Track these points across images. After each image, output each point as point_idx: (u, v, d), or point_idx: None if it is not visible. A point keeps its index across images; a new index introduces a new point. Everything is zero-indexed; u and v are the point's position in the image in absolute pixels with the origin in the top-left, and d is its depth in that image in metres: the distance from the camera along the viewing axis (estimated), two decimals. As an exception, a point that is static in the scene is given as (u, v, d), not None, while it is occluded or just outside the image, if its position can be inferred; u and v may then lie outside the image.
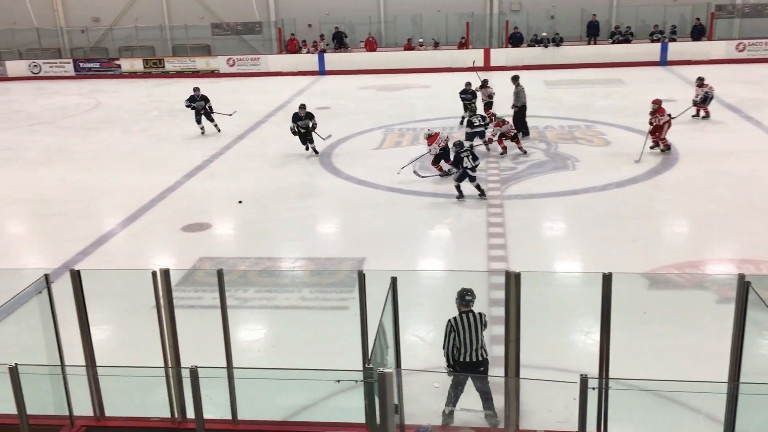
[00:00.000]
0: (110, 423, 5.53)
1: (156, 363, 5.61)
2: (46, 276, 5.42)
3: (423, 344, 8.05)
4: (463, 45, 31.07)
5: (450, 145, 13.92)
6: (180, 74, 31.12)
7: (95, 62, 31.87)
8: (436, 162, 14.48)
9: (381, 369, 3.69)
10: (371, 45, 31.70)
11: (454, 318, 6.00)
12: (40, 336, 6.00)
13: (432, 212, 12.83)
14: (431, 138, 14.62)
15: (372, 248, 11.06)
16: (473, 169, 12.77)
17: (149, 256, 11.49)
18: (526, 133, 17.35)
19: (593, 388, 4.10)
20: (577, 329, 8.21)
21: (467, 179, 12.81)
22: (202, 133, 19.30)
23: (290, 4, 32.87)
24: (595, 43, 30.61)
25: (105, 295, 8.73)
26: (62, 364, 5.48)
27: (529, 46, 30.39)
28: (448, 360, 6.02)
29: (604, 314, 4.93)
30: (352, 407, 4.92)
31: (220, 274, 5.42)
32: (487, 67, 29.39)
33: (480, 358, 6.00)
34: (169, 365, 5.38)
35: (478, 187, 12.92)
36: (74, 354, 5.99)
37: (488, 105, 18.82)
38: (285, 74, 30.41)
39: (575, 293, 9.09)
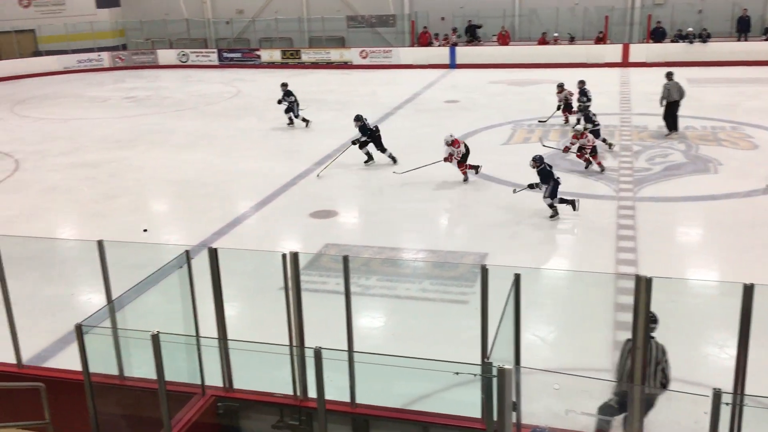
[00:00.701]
0: (237, 395, 5.82)
1: (281, 342, 5.85)
2: (187, 252, 5.78)
3: (542, 344, 7.90)
4: (600, 40, 29.97)
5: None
6: (315, 65, 32.09)
7: (237, 52, 33.47)
8: (462, 163, 14.27)
9: (500, 365, 3.66)
10: (504, 39, 31.25)
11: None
12: (179, 308, 6.40)
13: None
14: (455, 142, 14.31)
15: (494, 243, 10.96)
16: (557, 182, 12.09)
17: (278, 240, 11.97)
18: (673, 128, 16.81)
19: (727, 404, 3.87)
20: (711, 342, 7.76)
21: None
22: (291, 124, 20.06)
23: (424, -4, 33.07)
24: (745, 40, 28.57)
25: (236, 273, 9.19)
26: (197, 335, 5.83)
27: (672, 41, 28.84)
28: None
29: (743, 328, 4.62)
30: (468, 401, 4.92)
31: (345, 260, 5.56)
32: (625, 62, 28.24)
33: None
34: (294, 344, 5.59)
35: (563, 200, 12.02)
36: (207, 327, 6.37)
37: (566, 108, 18.84)
38: (415, 67, 30.60)
39: (711, 304, 8.58)
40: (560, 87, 19.00)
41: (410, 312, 9.21)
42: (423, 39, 32.06)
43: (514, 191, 12.67)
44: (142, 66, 33.65)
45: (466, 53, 30.71)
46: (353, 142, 15.59)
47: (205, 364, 5.81)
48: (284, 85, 20.52)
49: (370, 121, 16.22)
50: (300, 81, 28.85)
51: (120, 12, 36.15)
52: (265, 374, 6.02)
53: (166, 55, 33.88)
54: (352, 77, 29.49)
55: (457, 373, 4.04)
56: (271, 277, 9.91)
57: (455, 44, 31.21)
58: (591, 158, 14.35)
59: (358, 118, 15.59)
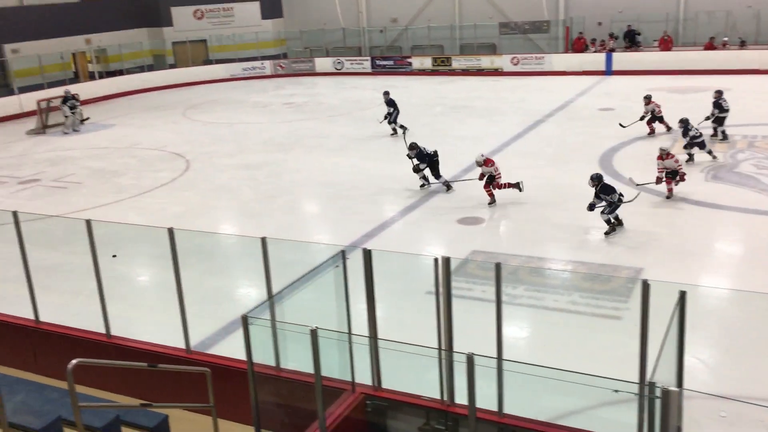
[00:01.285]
0: (385, 394, 5.95)
1: (429, 344, 5.91)
2: (343, 252, 6.00)
3: (703, 368, 7.41)
4: (776, 44, 27.70)
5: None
6: (465, 72, 32.12)
7: (390, 60, 34.22)
8: (488, 184, 13.63)
9: (665, 386, 3.49)
10: (666, 44, 29.65)
11: None
12: (332, 305, 6.65)
13: (719, 224, 11.71)
14: (487, 161, 13.69)
15: (650, 258, 10.44)
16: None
17: (424, 244, 12.10)
18: None
19: None
20: None
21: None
22: (395, 133, 20.24)
23: (581, 2, 32.07)
24: None
25: (385, 274, 9.40)
26: (350, 333, 6.02)
27: None
28: None
29: None
30: (623, 421, 4.72)
31: (498, 267, 5.52)
32: (804, 69, 25.94)
33: None
34: (443, 348, 5.63)
35: (617, 218, 11.62)
36: (357, 325, 6.57)
37: (652, 119, 18.19)
38: (569, 74, 29.78)
39: None
40: (647, 99, 18.37)
41: (558, 324, 8.97)
42: (578, 45, 31.15)
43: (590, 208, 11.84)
44: (300, 73, 35.26)
45: (623, 59, 29.47)
46: (413, 164, 15.00)
47: (355, 362, 5.99)
48: (386, 93, 20.87)
49: (520, 128, 15.93)
50: (450, 88, 29.02)
51: (282, 22, 38.11)
52: (413, 376, 6.11)
53: (322, 63, 35.28)
54: (503, 84, 29.21)
55: (617, 391, 3.89)
56: (418, 280, 10.10)
57: (612, 50, 30.04)
58: (672, 180, 13.00)
59: (413, 147, 14.91)
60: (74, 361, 4.70)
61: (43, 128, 24.14)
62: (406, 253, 10.07)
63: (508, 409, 5.47)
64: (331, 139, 20.44)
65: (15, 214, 8.07)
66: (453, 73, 32.40)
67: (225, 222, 14.07)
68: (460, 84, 29.84)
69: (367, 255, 5.84)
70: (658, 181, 13.03)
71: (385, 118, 20.59)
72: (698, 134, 15.21)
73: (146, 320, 9.66)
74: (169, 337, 8.00)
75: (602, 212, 11.55)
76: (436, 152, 14.85)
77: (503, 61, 31.64)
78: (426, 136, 19.98)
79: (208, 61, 35.91)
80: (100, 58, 34.47)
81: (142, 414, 6.06)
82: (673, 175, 12.90)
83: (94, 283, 8.00)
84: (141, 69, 34.16)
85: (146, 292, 11.16)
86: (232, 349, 7.96)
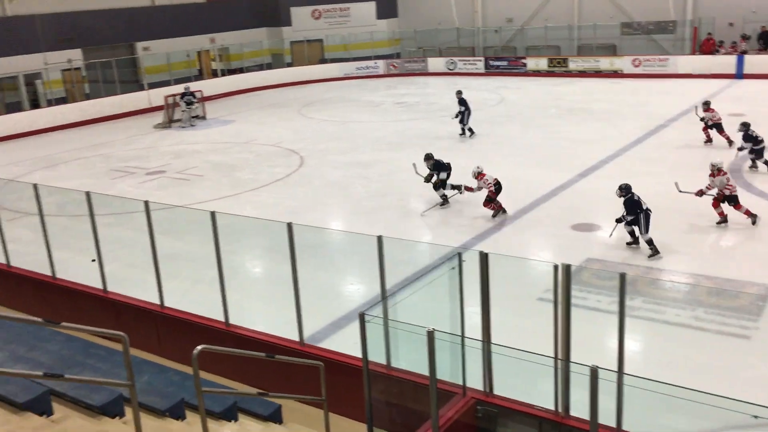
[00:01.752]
0: (497, 401, 5.84)
1: (542, 352, 5.75)
2: (459, 255, 5.93)
3: None
4: None
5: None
6: (582, 74, 31.19)
7: (503, 60, 33.74)
8: (487, 202, 13.11)
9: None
10: (805, 46, 27.63)
11: None
12: (445, 306, 6.60)
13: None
14: (480, 175, 13.20)
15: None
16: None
17: (535, 249, 11.82)
18: None
19: None
20: None
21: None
22: (463, 134, 20.28)
23: (711, 1, 30.38)
24: None
25: (496, 278, 9.26)
26: (463, 336, 5.95)
27: None
28: None
29: None
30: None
31: (622, 278, 5.28)
32: None
33: None
34: (559, 358, 5.45)
35: (650, 242, 10.77)
36: (468, 327, 6.49)
37: (711, 127, 17.25)
38: (695, 76, 28.29)
39: None
40: (706, 105, 17.42)
41: (679, 340, 8.51)
42: (706, 46, 29.53)
43: (619, 221, 11.13)
44: (413, 73, 35.40)
45: (756, 62, 27.68)
46: (426, 180, 14.40)
47: (467, 365, 5.91)
48: (459, 92, 20.67)
49: (641, 132, 15.27)
50: (566, 90, 28.27)
51: (397, 22, 38.41)
52: (525, 384, 5.97)
53: (435, 63, 35.27)
54: (622, 86, 28.14)
55: (756, 417, 3.62)
56: (530, 285, 9.87)
57: (744, 52, 28.28)
58: (733, 207, 11.78)
59: (429, 157, 14.36)
60: (199, 348, 4.89)
61: (169, 122, 25.47)
62: (522, 258, 9.86)
63: (627, 426, 5.23)
64: (442, 139, 20.37)
65: (146, 203, 8.53)
66: (569, 74, 31.54)
67: (336, 218, 14.31)
68: (577, 86, 29.01)
69: (484, 258, 5.75)
70: (699, 193, 12.09)
71: (456, 116, 20.50)
72: (761, 139, 14.38)
73: (261, 311, 9.96)
74: (282, 328, 8.22)
75: (626, 223, 10.97)
76: (449, 165, 14.44)
77: (624, 63, 30.48)
78: (539, 139, 19.60)
79: (323, 60, 36.72)
80: (223, 57, 36.00)
81: (258, 402, 6.25)
82: (721, 199, 11.87)
83: (213, 271, 8.34)
84: (260, 67, 35.41)
85: (261, 283, 11.51)
86: (341, 344, 8.08)
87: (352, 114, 25.75)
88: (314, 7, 37.36)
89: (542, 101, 26.03)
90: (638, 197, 10.90)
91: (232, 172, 18.04)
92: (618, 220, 11.09)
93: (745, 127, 14.88)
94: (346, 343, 7.90)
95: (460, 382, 5.92)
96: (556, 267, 5.44)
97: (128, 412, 5.07)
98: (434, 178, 14.23)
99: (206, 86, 29.53)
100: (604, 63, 31.04)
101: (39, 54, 27.97)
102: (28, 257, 11.08)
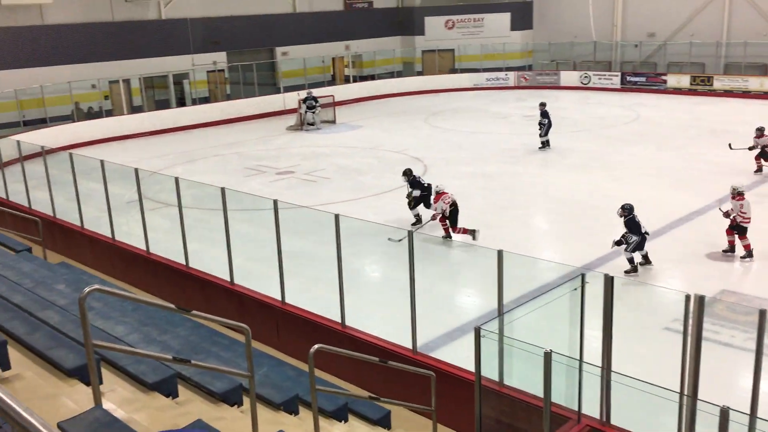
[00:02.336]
0: (613, 431, 5.59)
1: (666, 385, 5.45)
2: (583, 276, 5.73)
3: None
4: None
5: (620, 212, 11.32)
6: (728, 93, 29.40)
7: (641, 76, 32.40)
8: (444, 220, 12.55)
9: None
10: None
11: None
12: (562, 327, 6.41)
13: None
14: (438, 196, 12.55)
15: None
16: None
17: (663, 276, 11.22)
18: None
19: None
20: None
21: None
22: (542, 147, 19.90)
23: None
24: None
25: (620, 303, 8.89)
26: (581, 360, 5.75)
27: None
28: None
29: None
30: None
31: (762, 314, 4.91)
32: None
33: None
34: (685, 393, 5.14)
35: (646, 257, 11.08)
36: (587, 352, 6.25)
37: (761, 155, 16.86)
38: None
39: None
40: (760, 131, 16.85)
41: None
42: None
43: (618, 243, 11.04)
44: (544, 86, 34.71)
45: None
46: (407, 197, 13.95)
47: (583, 391, 5.70)
48: (542, 104, 20.29)
49: None
50: (709, 110, 26.74)
51: (531, 34, 37.82)
52: (645, 416, 5.67)
53: (568, 77, 34.42)
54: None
55: None
56: (656, 314, 9.39)
57: None
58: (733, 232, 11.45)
59: (407, 173, 13.96)
60: (316, 346, 5.01)
61: (301, 125, 26.39)
62: (650, 284, 9.40)
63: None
64: (571, 155, 19.84)
65: (275, 202, 8.87)
66: (713, 93, 29.82)
67: (457, 229, 14.25)
68: (721, 106, 27.37)
69: (609, 282, 5.52)
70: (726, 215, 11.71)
71: (540, 128, 20.36)
72: None
73: (375, 315, 10.08)
74: (395, 334, 8.28)
75: (625, 249, 10.85)
76: (429, 186, 13.82)
77: (774, 84, 28.46)
78: (675, 160, 18.64)
79: (453, 70, 36.78)
80: (356, 63, 36.89)
81: (368, 405, 6.32)
82: (734, 229, 11.58)
83: (333, 272, 8.53)
84: (391, 75, 35.99)
85: (377, 287, 11.65)
86: (454, 355, 8.02)
87: (479, 125, 25.60)
88: (448, 17, 37.52)
89: (681, 121, 24.76)
90: (638, 219, 11.02)
91: (357, 176, 18.41)
92: (617, 243, 11.05)
93: (760, 132, 15.22)
94: (458, 355, 7.84)
95: (575, 408, 5.71)
96: (688, 297, 5.14)
97: (246, 401, 5.28)
98: (410, 193, 13.99)
99: (338, 92, 30.35)
100: (754, 83, 29.10)
101: (188, 56, 29.84)
102: (164, 245, 11.82)
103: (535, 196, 15.96)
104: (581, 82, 33.92)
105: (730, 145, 17.42)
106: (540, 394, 5.05)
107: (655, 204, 14.66)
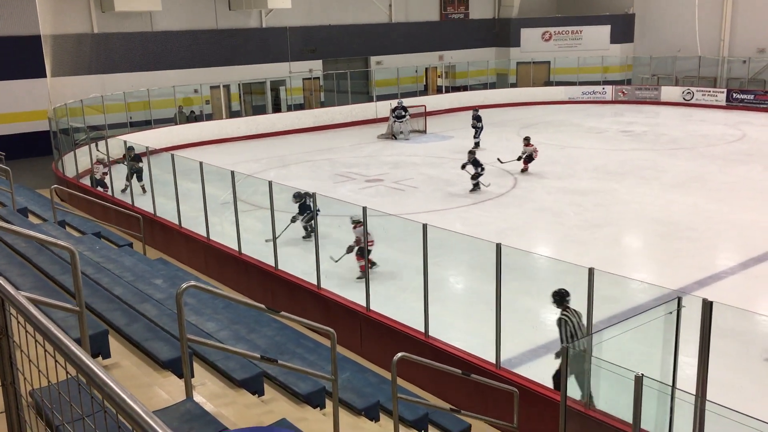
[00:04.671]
0: (705, 464, 5.33)
1: (766, 419, 5.15)
2: (679, 299, 5.50)
3: None
4: None
5: None
6: None
7: (749, 94, 30.85)
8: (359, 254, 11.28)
9: None
10: None
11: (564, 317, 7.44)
12: (654, 351, 6.16)
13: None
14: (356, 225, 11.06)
15: None
16: None
17: (767, 304, 10.62)
18: None
19: None
20: None
21: None
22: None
23: None
24: None
25: (718, 330, 8.48)
26: (673, 387, 5.51)
27: None
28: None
29: None
30: None
31: None
32: None
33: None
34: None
35: None
36: (682, 380, 5.98)
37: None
38: None
39: None
40: (527, 140, 18.53)
41: None
42: None
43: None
44: (643, 101, 33.60)
45: None
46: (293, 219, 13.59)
47: (677, 418, 5.46)
48: (475, 110, 20.93)
49: None
50: (822, 130, 25.18)
51: (632, 47, 36.72)
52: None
53: (669, 92, 33.18)
54: None
55: None
56: (757, 344, 8.90)
57: None
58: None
59: (298, 197, 13.60)
60: (400, 354, 5.02)
61: (392, 134, 26.60)
62: (752, 311, 8.92)
63: None
64: (669, 173, 19.10)
65: (364, 209, 8.97)
66: (828, 113, 28.04)
67: (545, 244, 13.99)
68: (837, 127, 25.72)
69: (707, 306, 5.28)
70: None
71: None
72: None
73: (459, 326, 10.01)
74: (478, 348, 8.19)
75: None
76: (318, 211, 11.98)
77: None
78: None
79: (548, 83, 36.16)
80: (449, 74, 36.87)
81: (449, 417, 6.27)
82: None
83: (418, 281, 8.53)
84: (484, 86, 35.74)
85: (462, 299, 11.57)
86: (538, 372, 7.85)
87: (572, 139, 25.05)
88: (546, 29, 36.96)
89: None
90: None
91: (446, 187, 18.36)
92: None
93: None
94: (542, 373, 7.67)
95: (666, 436, 5.48)
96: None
97: (328, 404, 5.36)
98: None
99: (429, 102, 30.40)
100: None
101: (285, 63, 30.69)
102: (255, 246, 12.16)
103: (630, 214, 15.45)
104: (683, 98, 32.63)
105: (499, 159, 18.98)
106: (628, 418, 4.86)
107: (759, 227, 13.95)
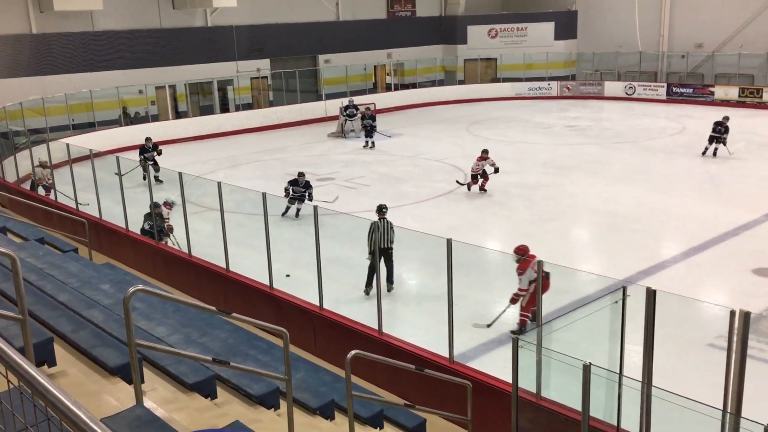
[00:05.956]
0: (653, 447, 5.49)
1: (709, 403, 5.33)
2: (624, 288, 5.65)
3: None
4: None
5: None
6: (778, 106, 28.71)
7: (688, 88, 31.81)
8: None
9: None
10: None
11: (374, 222, 10.48)
12: (602, 341, 6.32)
13: None
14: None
15: None
16: None
17: (708, 292, 10.99)
18: None
19: None
20: None
21: None
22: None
23: None
24: None
25: (662, 318, 8.71)
26: (621, 374, 5.66)
27: None
28: (370, 246, 10.40)
29: None
30: None
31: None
32: None
33: (389, 247, 10.74)
34: (728, 411, 5.02)
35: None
36: (629, 367, 6.15)
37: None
38: None
39: None
40: (485, 153, 17.02)
41: None
42: None
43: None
44: (587, 96, 34.33)
45: None
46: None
47: (623, 406, 5.61)
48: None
49: None
50: (758, 123, 26.10)
51: (575, 44, 37.46)
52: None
53: (612, 87, 33.97)
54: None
55: None
56: (699, 330, 9.19)
57: None
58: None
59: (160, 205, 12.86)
60: (353, 352, 5.03)
61: (342, 132, 26.56)
62: (694, 299, 9.21)
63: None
64: (614, 167, 19.57)
65: (315, 208, 8.94)
66: (763, 106, 29.11)
67: (495, 239, 14.18)
68: (771, 118, 26.73)
69: (651, 295, 5.43)
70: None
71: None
72: None
73: (412, 323, 10.07)
74: (432, 343, 8.25)
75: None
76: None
77: (827, 96, 27.67)
78: (723, 173, 18.26)
79: (495, 79, 36.61)
80: (397, 72, 36.99)
81: (404, 413, 6.31)
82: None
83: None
84: (432, 83, 35.99)
85: (414, 295, 11.64)
86: (491, 366, 7.96)
87: (520, 134, 25.43)
88: (492, 26, 37.40)
89: (730, 133, 24.20)
90: None
91: (397, 184, 18.43)
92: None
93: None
94: (495, 366, 7.78)
95: (614, 422, 5.62)
96: (732, 312, 5.02)
97: (282, 405, 5.33)
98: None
99: (379, 99, 30.45)
100: (805, 95, 28.35)
101: (232, 62, 30.32)
102: (206, 249, 12.00)
103: (577, 207, 15.78)
104: (626, 93, 33.45)
105: (458, 181, 17.70)
106: (578, 407, 4.98)
107: (700, 217, 14.41)
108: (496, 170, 17.02)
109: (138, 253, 12.76)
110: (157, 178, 16.45)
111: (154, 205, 12.29)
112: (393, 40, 36.43)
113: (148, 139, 19.57)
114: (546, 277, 8.38)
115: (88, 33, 26.40)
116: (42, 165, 16.98)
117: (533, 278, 8.56)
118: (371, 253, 10.42)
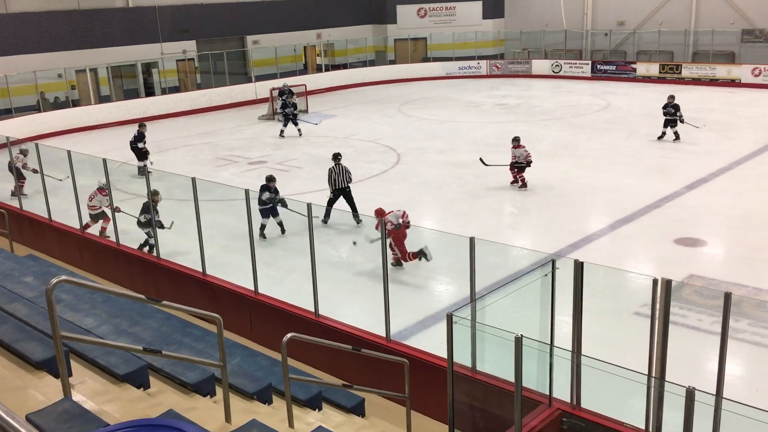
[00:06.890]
0: (584, 414, 5.67)
1: (636, 369, 5.54)
2: (553, 261, 5.79)
3: None
4: None
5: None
6: (696, 81, 29.80)
7: (612, 65, 32.70)
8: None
9: None
10: None
11: (331, 167, 13.21)
12: (534, 313, 6.47)
13: None
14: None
15: None
16: None
17: (634, 262, 11.38)
18: None
19: None
20: None
21: None
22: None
23: (844, 8, 28.36)
24: None
25: (591, 289, 9.00)
26: (552, 345, 5.82)
27: None
28: (331, 187, 13.12)
29: None
30: None
31: (727, 297, 5.01)
32: None
33: (346, 186, 13.08)
34: (653, 376, 5.24)
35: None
36: (558, 338, 6.31)
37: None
38: (821, 89, 26.49)
39: None
40: (516, 141, 15.70)
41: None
42: (835, 57, 27.60)
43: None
44: (516, 75, 34.87)
45: None
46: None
47: (554, 376, 5.77)
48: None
49: (757, 146, 14.44)
50: (678, 98, 27.02)
51: (503, 22, 37.93)
52: (615, 400, 5.76)
53: (540, 65, 34.60)
54: (739, 96, 26.68)
55: None
56: (626, 299, 9.53)
57: None
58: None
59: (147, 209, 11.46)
60: (289, 335, 5.00)
61: (273, 115, 26.19)
62: (620, 269, 9.52)
63: (723, 455, 4.95)
64: (543, 143, 19.96)
65: (247, 192, 8.81)
66: (682, 81, 30.19)
67: (429, 218, 14.30)
68: (690, 94, 27.68)
69: (578, 267, 5.59)
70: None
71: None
72: None
73: (349, 304, 10.09)
74: (369, 323, 8.29)
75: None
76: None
77: (742, 72, 28.91)
78: (645, 147, 18.88)
79: (426, 59, 36.76)
80: (328, 52, 36.68)
81: (342, 393, 6.32)
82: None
83: (306, 261, 8.50)
84: (363, 64, 35.86)
85: (350, 276, 11.64)
86: (427, 343, 8.06)
87: (452, 113, 25.65)
88: (420, 6, 37.45)
89: (651, 109, 24.99)
90: None
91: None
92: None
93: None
94: (432, 343, 7.88)
95: (547, 392, 5.78)
96: (655, 281, 5.22)
97: (219, 392, 5.26)
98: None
99: (310, 81, 30.15)
100: (721, 71, 29.54)
101: (156, 44, 29.42)
102: (134, 236, 11.68)
103: (508, 184, 16.05)
104: (552, 71, 34.12)
105: (481, 159, 16.46)
106: (512, 379, 5.10)
107: (625, 190, 14.87)
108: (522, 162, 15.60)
109: (63, 243, 12.33)
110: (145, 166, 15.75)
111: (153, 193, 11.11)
112: (323, 20, 36.05)
113: (143, 125, 18.32)
114: (396, 228, 10.77)
115: (1, 15, 25.12)
116: (22, 152, 16.00)
117: (389, 228, 10.32)
118: (332, 192, 13.14)
